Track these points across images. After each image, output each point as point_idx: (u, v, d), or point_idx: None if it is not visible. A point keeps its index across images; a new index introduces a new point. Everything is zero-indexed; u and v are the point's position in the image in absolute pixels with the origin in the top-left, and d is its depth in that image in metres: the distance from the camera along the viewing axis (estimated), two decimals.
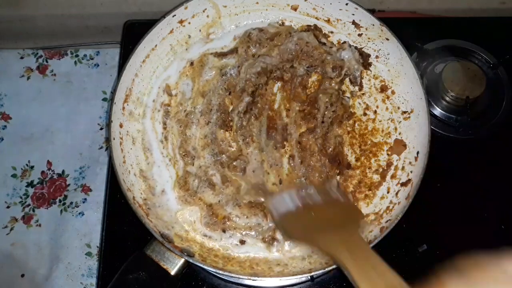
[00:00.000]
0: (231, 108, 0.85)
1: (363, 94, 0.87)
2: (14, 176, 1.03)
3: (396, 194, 0.78)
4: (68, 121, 1.08)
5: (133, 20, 1.04)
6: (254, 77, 0.85)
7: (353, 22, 0.88)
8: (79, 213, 1.00)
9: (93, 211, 1.01)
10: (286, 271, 0.74)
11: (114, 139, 0.77)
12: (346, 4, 0.85)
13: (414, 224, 0.82)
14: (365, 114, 0.86)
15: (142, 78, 0.85)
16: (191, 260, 0.69)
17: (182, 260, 0.70)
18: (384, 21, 0.84)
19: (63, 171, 1.04)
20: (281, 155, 0.82)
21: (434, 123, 0.94)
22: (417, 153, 0.78)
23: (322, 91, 0.86)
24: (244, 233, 0.77)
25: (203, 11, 0.88)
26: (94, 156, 1.05)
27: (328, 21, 0.90)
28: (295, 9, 0.91)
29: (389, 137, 0.84)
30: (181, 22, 0.87)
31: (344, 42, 0.89)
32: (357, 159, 0.83)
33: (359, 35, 0.88)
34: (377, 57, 0.88)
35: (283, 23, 0.92)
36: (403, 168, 0.80)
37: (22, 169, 1.04)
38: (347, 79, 0.88)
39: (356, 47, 0.88)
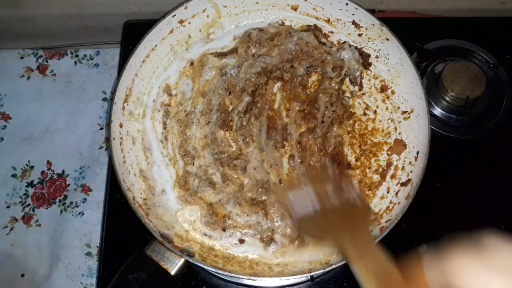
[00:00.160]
0: (231, 108, 0.85)
1: (363, 94, 0.87)
2: (14, 176, 1.03)
3: (396, 194, 0.78)
4: (68, 121, 1.08)
5: (133, 20, 1.04)
6: (254, 77, 0.85)
7: (353, 22, 0.88)
8: (79, 213, 1.00)
9: (93, 211, 1.01)
10: (286, 271, 0.74)
11: (114, 139, 0.77)
12: (346, 4, 0.85)
13: (414, 224, 0.82)
14: (365, 114, 0.86)
15: (142, 78, 0.85)
16: (191, 260, 0.69)
17: (182, 260, 0.70)
18: (384, 21, 0.84)
19: (63, 171, 1.04)
20: (281, 155, 0.82)
21: (434, 123, 0.94)
22: (417, 153, 0.78)
23: (322, 91, 0.86)
24: (243, 231, 0.77)
25: (203, 11, 0.88)
26: (94, 156, 1.05)
27: (328, 21, 0.90)
28: (295, 9, 0.91)
29: (389, 137, 0.84)
30: (181, 22, 0.87)
31: (344, 42, 0.89)
32: (357, 159, 0.83)
33: (359, 35, 0.88)
34: (377, 57, 0.88)
35: (283, 23, 0.92)
36: (403, 168, 0.80)
37: (22, 169, 1.04)
38: (347, 79, 0.88)
39: (356, 47, 0.88)
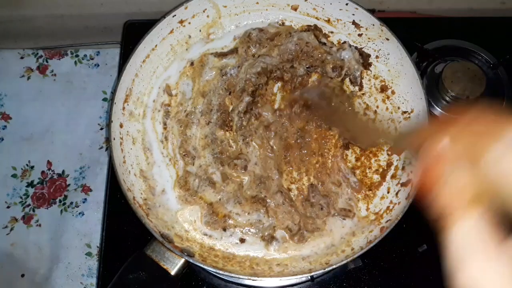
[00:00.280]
0: (231, 108, 0.85)
1: (363, 94, 0.87)
2: (14, 176, 1.03)
3: (396, 194, 0.78)
4: (68, 121, 1.08)
5: (133, 20, 1.04)
6: (254, 77, 0.85)
7: (353, 22, 0.88)
8: (79, 213, 1.00)
9: (93, 211, 1.01)
10: (286, 271, 0.74)
11: (114, 139, 0.77)
12: (346, 4, 0.85)
13: (414, 224, 0.82)
14: (365, 114, 0.86)
15: (142, 78, 0.85)
16: (191, 260, 0.69)
17: (182, 260, 0.70)
18: (384, 21, 0.84)
19: (63, 171, 1.04)
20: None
21: None
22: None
23: (324, 85, 0.86)
24: (244, 230, 0.78)
25: (203, 11, 0.88)
26: (94, 156, 1.05)
27: (328, 21, 0.90)
28: (295, 9, 0.91)
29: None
30: (181, 22, 0.87)
31: (344, 42, 0.89)
32: (357, 159, 0.83)
33: (359, 35, 0.88)
34: (377, 57, 0.88)
35: (283, 23, 0.92)
36: (403, 168, 0.80)
37: (22, 169, 1.04)
38: (347, 79, 0.88)
39: (356, 47, 0.88)
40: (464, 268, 0.34)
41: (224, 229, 0.78)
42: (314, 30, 0.90)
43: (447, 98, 0.94)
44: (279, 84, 0.88)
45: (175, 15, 0.85)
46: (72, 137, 1.06)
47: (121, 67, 0.88)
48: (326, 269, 0.69)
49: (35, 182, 1.03)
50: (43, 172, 1.04)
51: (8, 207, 1.01)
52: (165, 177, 0.81)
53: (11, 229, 0.99)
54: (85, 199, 1.02)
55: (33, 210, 1.01)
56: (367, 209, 0.79)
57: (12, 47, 1.14)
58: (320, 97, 0.83)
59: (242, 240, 0.77)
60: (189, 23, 0.88)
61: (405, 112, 0.84)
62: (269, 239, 0.77)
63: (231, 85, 0.86)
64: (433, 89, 0.95)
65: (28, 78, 1.11)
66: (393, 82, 0.86)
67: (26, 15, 1.08)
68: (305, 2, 0.89)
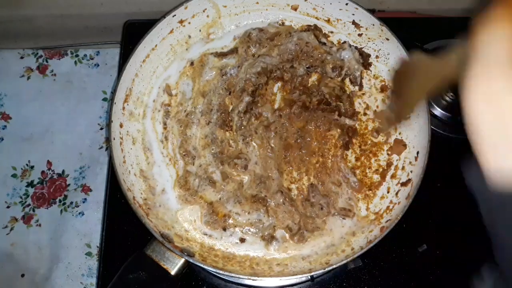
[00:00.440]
0: (231, 108, 0.85)
1: (363, 94, 0.87)
2: (14, 176, 1.03)
3: (396, 194, 0.78)
4: (68, 121, 1.08)
5: (133, 20, 1.04)
6: (254, 77, 0.85)
7: (353, 22, 0.88)
8: (79, 213, 1.00)
9: (93, 211, 1.01)
10: (286, 271, 0.74)
11: (114, 139, 0.77)
12: (346, 4, 0.85)
13: (414, 224, 0.82)
14: (365, 114, 0.86)
15: (142, 78, 0.85)
16: (191, 260, 0.69)
17: (182, 260, 0.70)
18: (384, 21, 0.84)
19: (63, 171, 1.04)
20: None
21: (434, 123, 0.94)
22: (417, 153, 0.78)
23: (323, 84, 0.86)
24: (244, 230, 0.78)
25: (203, 11, 0.88)
26: (94, 156, 1.05)
27: (328, 21, 0.90)
28: (295, 9, 0.91)
29: (389, 137, 0.84)
30: (181, 22, 0.87)
31: (344, 42, 0.89)
32: (357, 159, 0.83)
33: (359, 35, 0.88)
34: (377, 57, 0.88)
35: (283, 23, 0.92)
36: (403, 168, 0.80)
37: (22, 169, 1.04)
38: (347, 79, 0.88)
39: (356, 47, 0.88)
40: (477, 82, 0.32)
41: (224, 229, 0.78)
42: (314, 30, 0.90)
43: (447, 98, 0.94)
44: (279, 84, 0.88)
45: (175, 15, 0.85)
46: (72, 137, 1.06)
47: (121, 67, 0.88)
48: (326, 269, 0.69)
49: (35, 182, 1.03)
50: (43, 172, 1.04)
51: (8, 207, 1.01)
52: (165, 177, 0.81)
53: (11, 229, 0.99)
54: (85, 199, 1.02)
55: (33, 210, 1.01)
56: (367, 209, 0.79)
57: (12, 47, 1.14)
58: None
59: (242, 240, 0.77)
60: (189, 23, 0.88)
61: None
62: (269, 239, 0.77)
63: (231, 85, 0.86)
64: None
65: (28, 78, 1.11)
66: None
67: (26, 15, 1.08)
68: (305, 2, 0.89)
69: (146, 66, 0.85)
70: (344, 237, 0.77)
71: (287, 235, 0.78)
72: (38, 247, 0.98)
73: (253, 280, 0.81)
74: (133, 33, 1.01)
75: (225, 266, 0.74)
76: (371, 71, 0.88)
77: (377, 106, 0.86)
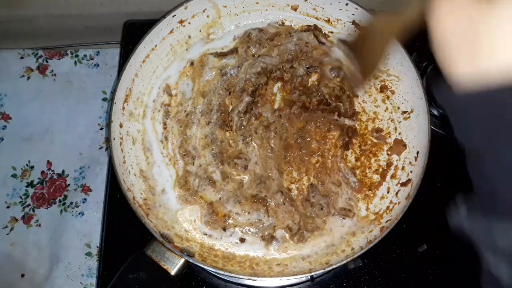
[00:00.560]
0: (231, 108, 0.85)
1: (363, 94, 0.87)
2: (14, 176, 1.03)
3: (396, 194, 0.78)
4: (68, 121, 1.08)
5: (133, 20, 1.04)
6: (254, 77, 0.85)
7: (353, 22, 0.88)
8: (79, 213, 1.00)
9: (93, 211, 1.01)
10: (286, 271, 0.74)
11: (114, 139, 0.77)
12: (346, 4, 0.85)
13: (414, 224, 0.82)
14: (365, 113, 0.86)
15: (142, 78, 0.85)
16: (191, 260, 0.69)
17: (182, 260, 0.70)
18: None
19: (63, 171, 1.04)
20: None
21: (434, 123, 0.94)
22: (417, 153, 0.78)
23: (323, 85, 0.86)
24: (244, 230, 0.78)
25: (203, 11, 0.88)
26: (94, 156, 1.05)
27: (328, 21, 0.90)
28: (295, 9, 0.91)
29: (389, 137, 0.84)
30: (181, 22, 0.87)
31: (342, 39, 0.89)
32: (357, 159, 0.83)
33: None
34: None
35: (283, 23, 0.92)
36: (403, 168, 0.80)
37: (22, 169, 1.04)
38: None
39: (341, 40, 0.88)
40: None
41: (224, 229, 0.78)
42: (314, 30, 0.90)
43: None
44: (279, 84, 0.88)
45: (175, 15, 0.85)
46: (72, 137, 1.06)
47: (121, 67, 0.88)
48: (326, 269, 0.69)
49: (35, 182, 1.03)
50: (43, 172, 1.04)
51: (8, 207, 1.01)
52: (165, 177, 0.81)
53: (11, 229, 0.99)
54: (85, 199, 1.02)
55: (33, 210, 1.00)
56: (367, 209, 0.79)
57: (12, 47, 1.13)
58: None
59: (242, 240, 0.77)
60: (189, 23, 0.88)
61: (405, 112, 0.84)
62: (269, 239, 0.77)
63: (231, 85, 0.86)
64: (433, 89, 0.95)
65: (28, 78, 1.11)
66: (393, 82, 0.86)
67: (26, 15, 1.08)
68: (305, 2, 0.89)
69: (146, 66, 0.85)
70: (344, 237, 0.77)
71: (287, 235, 0.78)
72: (38, 247, 0.98)
73: (253, 280, 0.81)
74: (133, 33, 1.01)
75: (225, 266, 0.74)
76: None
77: (377, 106, 0.86)
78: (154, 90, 0.87)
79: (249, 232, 0.78)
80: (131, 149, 0.81)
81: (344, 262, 0.69)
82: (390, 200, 0.79)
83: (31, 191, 1.02)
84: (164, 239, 0.69)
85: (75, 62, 1.13)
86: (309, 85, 0.87)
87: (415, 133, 0.81)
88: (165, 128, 0.85)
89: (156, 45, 0.85)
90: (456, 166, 0.92)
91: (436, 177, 0.85)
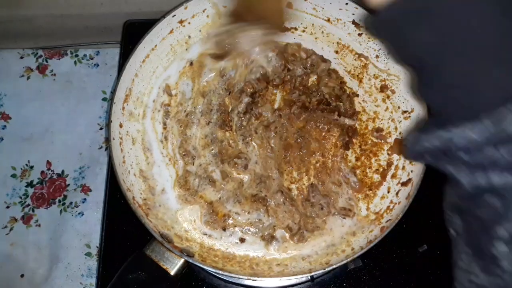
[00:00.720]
0: (230, 108, 0.85)
1: (363, 93, 0.87)
2: (13, 176, 1.03)
3: (397, 193, 0.78)
4: (68, 121, 1.08)
5: (133, 20, 1.04)
6: (254, 82, 0.85)
7: (353, 22, 0.87)
8: (79, 213, 1.00)
9: (93, 211, 1.01)
10: (286, 271, 0.74)
11: (113, 139, 0.77)
12: (346, 4, 0.85)
13: (414, 224, 0.82)
14: (365, 113, 0.86)
15: (142, 78, 0.85)
16: (191, 260, 0.69)
17: (182, 260, 0.70)
18: None
19: (62, 171, 1.04)
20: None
21: None
22: None
23: (323, 84, 0.86)
24: (244, 230, 0.78)
25: (203, 11, 0.88)
26: (94, 156, 1.05)
27: (328, 20, 0.90)
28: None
29: (390, 136, 0.84)
30: (181, 22, 0.87)
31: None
32: (357, 159, 0.83)
33: (359, 34, 0.88)
34: (377, 56, 0.88)
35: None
36: (403, 167, 0.80)
37: (21, 169, 1.04)
38: (347, 79, 0.88)
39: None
40: None
41: (224, 229, 0.77)
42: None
43: None
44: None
45: (175, 15, 0.85)
46: (71, 137, 1.06)
47: (121, 67, 0.87)
48: (326, 269, 0.69)
49: (34, 182, 1.03)
50: (42, 172, 1.04)
51: (7, 207, 1.01)
52: (164, 177, 0.81)
53: (11, 229, 0.99)
54: (85, 199, 1.02)
55: (33, 210, 1.00)
56: (368, 208, 0.79)
57: (12, 47, 1.13)
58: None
59: (242, 240, 0.77)
60: (189, 23, 0.88)
61: (405, 112, 0.83)
62: (269, 239, 0.77)
63: (231, 85, 0.86)
64: None
65: (28, 78, 1.11)
66: (393, 82, 0.86)
67: (26, 15, 1.08)
68: (305, 1, 0.89)
69: (146, 66, 0.85)
70: (344, 237, 0.77)
71: (287, 235, 0.77)
72: (37, 247, 0.98)
73: (253, 280, 0.81)
74: (133, 33, 1.01)
75: (225, 266, 0.74)
76: (371, 70, 0.88)
77: (377, 106, 0.86)
78: (154, 90, 0.86)
79: (249, 232, 0.78)
80: (130, 149, 0.81)
81: (345, 262, 0.69)
82: (390, 199, 0.78)
83: (30, 191, 1.02)
84: (163, 239, 0.69)
85: (75, 62, 1.13)
86: (309, 84, 0.87)
87: None
88: (165, 128, 0.85)
89: (156, 45, 0.85)
90: None
91: (436, 177, 0.85)
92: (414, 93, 0.80)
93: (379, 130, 0.84)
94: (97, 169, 1.04)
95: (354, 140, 0.84)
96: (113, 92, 0.78)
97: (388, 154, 0.83)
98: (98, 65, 1.13)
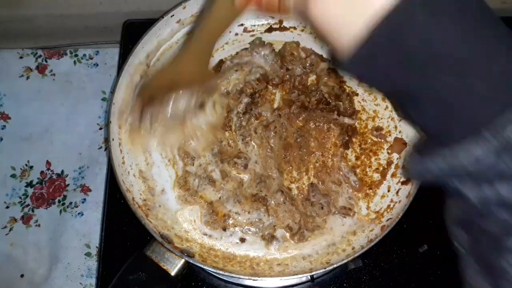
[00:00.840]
0: (230, 108, 0.85)
1: (362, 93, 0.87)
2: (13, 176, 1.03)
3: (397, 192, 0.78)
4: (67, 121, 1.07)
5: (132, 20, 1.04)
6: (254, 83, 0.85)
7: None
8: (79, 213, 1.00)
9: (93, 211, 1.00)
10: (287, 271, 0.74)
11: (113, 139, 0.77)
12: None
13: (414, 224, 0.82)
14: (364, 112, 0.86)
15: None
16: (191, 261, 0.69)
17: (182, 261, 0.70)
18: None
19: (62, 171, 1.04)
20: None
21: None
22: None
23: (322, 83, 0.86)
24: (244, 230, 0.77)
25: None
26: (93, 156, 1.05)
27: None
28: None
29: (389, 135, 0.84)
30: (179, 22, 0.86)
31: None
32: (357, 158, 0.83)
33: None
34: None
35: (281, 23, 0.91)
36: (403, 166, 0.80)
37: (21, 169, 1.04)
38: (347, 78, 0.88)
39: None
40: None
41: (224, 229, 0.77)
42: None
43: None
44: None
45: (173, 15, 0.85)
46: (71, 137, 1.06)
47: (120, 67, 0.87)
48: (327, 269, 0.69)
49: (34, 182, 1.03)
50: (42, 172, 1.04)
51: (7, 207, 1.01)
52: (164, 177, 0.81)
53: (10, 229, 0.99)
54: (84, 199, 1.01)
55: (32, 210, 1.00)
56: (368, 207, 0.79)
57: (12, 47, 1.13)
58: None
59: (242, 240, 0.77)
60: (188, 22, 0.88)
61: None
62: (270, 239, 0.77)
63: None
64: None
65: (27, 78, 1.11)
66: None
67: (26, 15, 1.08)
68: None
69: None
70: (344, 236, 0.77)
71: (287, 235, 0.77)
72: (37, 247, 0.98)
73: (253, 280, 0.81)
74: (132, 33, 1.01)
75: (225, 266, 0.74)
76: None
77: (377, 105, 0.86)
78: None
79: (249, 232, 0.78)
80: (130, 149, 0.81)
81: (345, 261, 0.69)
82: (390, 198, 0.78)
83: (30, 191, 1.02)
84: (164, 239, 0.69)
85: (75, 62, 1.13)
86: (308, 84, 0.87)
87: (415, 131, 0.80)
88: None
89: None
90: None
91: None
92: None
93: (378, 129, 0.84)
94: (96, 169, 1.03)
95: (354, 139, 0.84)
96: (112, 92, 0.78)
97: (388, 153, 0.83)
98: (97, 65, 1.12)
